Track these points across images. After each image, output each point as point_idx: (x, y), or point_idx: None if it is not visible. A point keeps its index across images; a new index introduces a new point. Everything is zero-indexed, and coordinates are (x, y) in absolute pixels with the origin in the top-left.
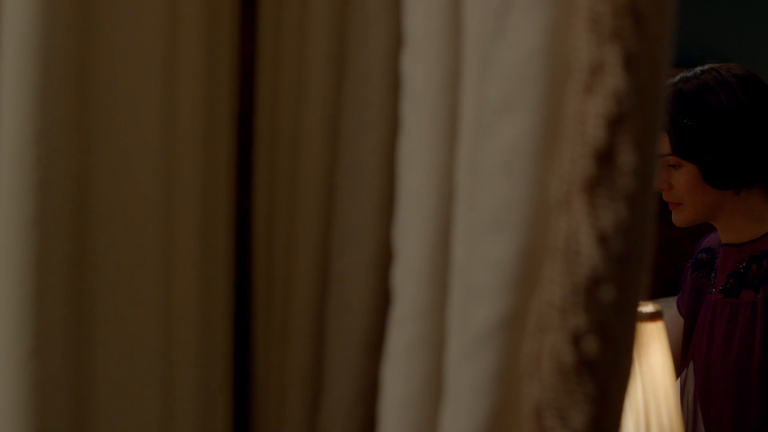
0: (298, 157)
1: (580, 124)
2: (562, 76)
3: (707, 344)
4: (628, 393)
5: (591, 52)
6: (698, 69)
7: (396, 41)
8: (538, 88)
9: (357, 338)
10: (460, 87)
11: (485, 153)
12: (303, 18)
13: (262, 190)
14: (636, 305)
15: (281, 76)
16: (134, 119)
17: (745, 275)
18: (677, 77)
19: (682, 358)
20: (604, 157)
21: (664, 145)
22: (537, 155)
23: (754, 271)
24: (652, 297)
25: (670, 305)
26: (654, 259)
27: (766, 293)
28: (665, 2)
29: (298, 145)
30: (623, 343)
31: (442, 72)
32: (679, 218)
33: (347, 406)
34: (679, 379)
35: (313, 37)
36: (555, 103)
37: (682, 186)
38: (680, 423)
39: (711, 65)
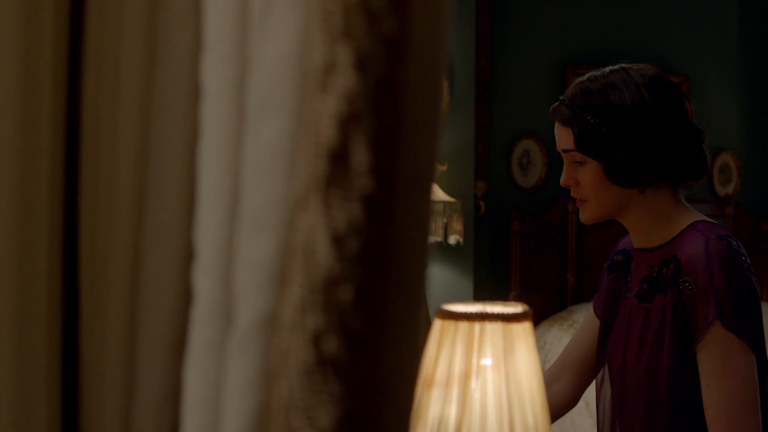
0: (115, 159)
1: (314, 124)
2: (307, 77)
3: (623, 348)
4: (404, 394)
5: (324, 52)
6: (608, 68)
7: (200, 44)
8: (291, 88)
9: (164, 339)
10: (246, 88)
11: (252, 153)
12: (120, 19)
13: (88, 192)
14: (398, 306)
15: (103, 77)
16: None
17: (657, 280)
18: (585, 75)
19: (597, 359)
20: (338, 158)
21: (569, 141)
22: (292, 155)
23: (665, 275)
24: (589, 298)
25: None
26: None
27: (673, 297)
28: (405, 2)
29: (115, 146)
30: (376, 343)
31: (233, 73)
32: (584, 215)
33: (156, 405)
34: (594, 381)
35: (127, 37)
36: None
37: (587, 183)
38: (547, 423)
39: (622, 65)
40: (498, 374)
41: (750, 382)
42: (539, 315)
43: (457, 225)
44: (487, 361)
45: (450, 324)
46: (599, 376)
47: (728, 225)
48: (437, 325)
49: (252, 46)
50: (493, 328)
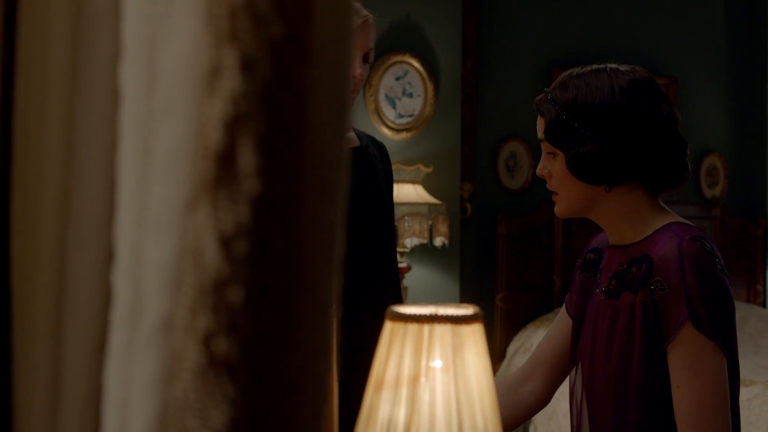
0: (42, 160)
1: (203, 126)
2: (199, 80)
3: (591, 345)
4: (313, 394)
5: (211, 55)
6: (594, 66)
7: (119, 48)
8: (189, 91)
9: (87, 340)
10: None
11: (155, 155)
12: (46, 21)
13: (18, 194)
14: (306, 307)
15: (31, 80)
16: None
17: (625, 277)
18: (571, 70)
19: (570, 358)
20: (224, 160)
21: (543, 130)
22: (189, 157)
23: (633, 273)
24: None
25: None
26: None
27: (644, 296)
28: (293, 4)
29: (42, 148)
30: (277, 343)
31: (150, 77)
32: (557, 208)
33: (80, 406)
34: (568, 378)
35: (53, 40)
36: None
37: (557, 175)
38: (497, 425)
39: (609, 64)
40: (447, 376)
41: (720, 384)
42: (526, 317)
43: (443, 227)
44: (436, 363)
45: (399, 326)
46: (572, 374)
47: (715, 227)
48: (387, 327)
49: (159, 50)
50: (442, 330)
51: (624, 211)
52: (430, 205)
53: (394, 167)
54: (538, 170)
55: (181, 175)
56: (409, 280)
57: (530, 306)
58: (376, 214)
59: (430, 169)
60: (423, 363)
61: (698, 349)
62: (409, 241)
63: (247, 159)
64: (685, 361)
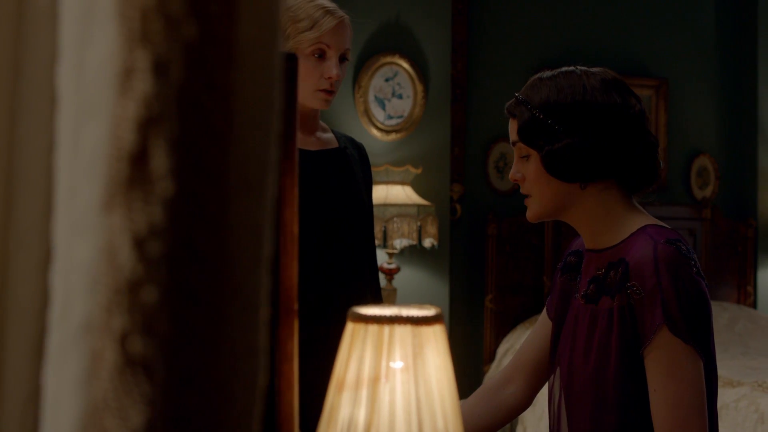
0: None
1: (116, 127)
2: (114, 81)
3: (570, 349)
4: (243, 394)
5: (123, 57)
6: (563, 68)
7: (56, 50)
8: (108, 93)
9: (28, 340)
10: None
11: (81, 156)
12: None
13: None
14: (234, 308)
15: None
16: None
17: (603, 281)
18: (538, 74)
19: (550, 361)
20: (137, 161)
21: (515, 132)
22: (105, 158)
23: (612, 277)
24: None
25: None
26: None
27: (621, 301)
28: (208, 5)
29: None
30: (194, 345)
31: (79, 79)
32: (528, 212)
33: (21, 407)
34: (547, 382)
35: None
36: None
37: (530, 176)
38: (458, 425)
39: (578, 66)
40: (407, 377)
41: (696, 387)
42: (515, 318)
43: (432, 228)
44: (397, 364)
45: (360, 327)
46: (551, 378)
47: (705, 228)
48: (348, 327)
49: (86, 51)
50: (402, 331)
51: (598, 211)
52: (419, 206)
53: (383, 168)
54: (511, 174)
55: (100, 176)
56: (398, 282)
57: (520, 307)
58: (355, 215)
59: (419, 171)
60: (383, 364)
61: (674, 353)
62: (398, 243)
63: (160, 160)
64: (662, 365)
